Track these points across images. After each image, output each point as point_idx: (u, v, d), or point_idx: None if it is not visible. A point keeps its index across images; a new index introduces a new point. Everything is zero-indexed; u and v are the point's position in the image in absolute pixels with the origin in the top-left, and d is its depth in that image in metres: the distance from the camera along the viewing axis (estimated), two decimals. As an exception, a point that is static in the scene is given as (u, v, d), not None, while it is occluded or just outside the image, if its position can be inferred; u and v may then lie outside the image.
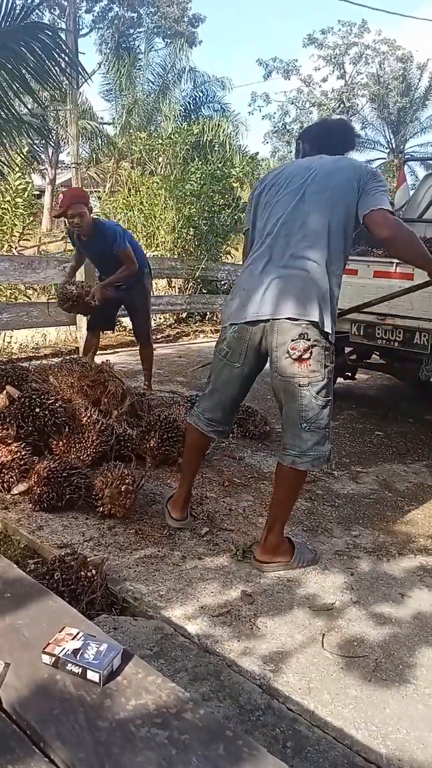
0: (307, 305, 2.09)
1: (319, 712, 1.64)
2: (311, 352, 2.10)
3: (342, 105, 27.95)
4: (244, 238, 2.49)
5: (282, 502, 2.32)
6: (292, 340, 2.09)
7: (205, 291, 9.05)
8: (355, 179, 2.19)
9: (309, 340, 2.09)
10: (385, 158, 28.98)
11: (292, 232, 2.19)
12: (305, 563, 2.37)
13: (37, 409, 2.89)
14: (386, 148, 29.45)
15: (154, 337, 7.77)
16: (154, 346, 5.01)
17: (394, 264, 3.71)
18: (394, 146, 28.89)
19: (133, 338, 7.49)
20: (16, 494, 2.69)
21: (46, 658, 1.20)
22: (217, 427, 2.44)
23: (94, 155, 19.73)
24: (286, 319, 2.10)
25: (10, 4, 4.03)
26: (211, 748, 1.04)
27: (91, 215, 4.24)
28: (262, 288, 2.17)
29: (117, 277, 4.33)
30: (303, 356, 2.09)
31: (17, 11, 4.12)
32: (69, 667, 1.18)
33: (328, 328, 2.12)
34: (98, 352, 5.27)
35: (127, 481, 2.59)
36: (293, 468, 2.23)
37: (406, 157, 24.69)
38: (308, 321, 2.09)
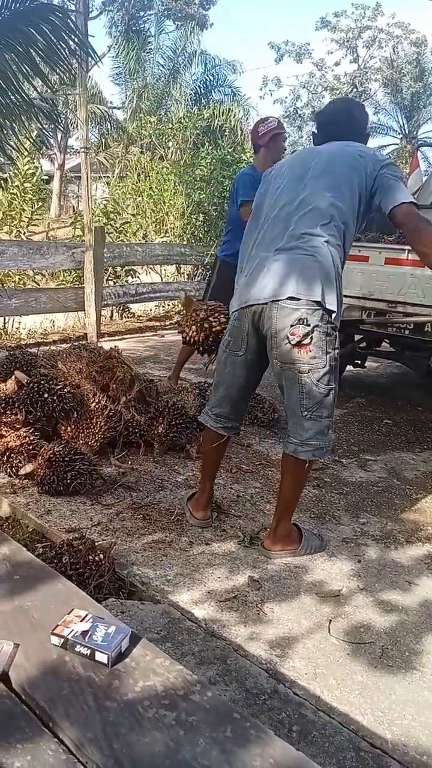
0: (310, 283, 2.02)
1: (325, 697, 1.65)
2: (311, 338, 2.03)
3: (355, 89, 27.55)
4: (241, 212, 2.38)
5: (289, 491, 2.31)
6: (291, 326, 2.03)
7: (214, 277, 9.01)
8: (361, 164, 2.14)
9: (309, 325, 2.02)
10: (398, 144, 28.63)
11: (291, 213, 2.14)
12: (313, 550, 2.38)
13: (46, 395, 2.90)
14: (399, 133, 29.07)
15: (161, 323, 7.79)
16: (163, 333, 4.82)
17: (406, 251, 3.67)
18: (407, 132, 28.50)
19: (141, 325, 7.52)
20: (22, 476, 2.71)
21: (55, 640, 1.21)
22: (225, 423, 2.39)
23: (103, 140, 19.63)
24: (287, 299, 2.03)
25: (20, -15, 3.98)
26: (219, 729, 1.04)
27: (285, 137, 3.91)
28: (262, 271, 2.12)
29: None
30: (302, 341, 2.03)
31: (27, -8, 4.07)
32: (78, 648, 1.19)
33: (332, 306, 2.04)
34: (106, 338, 5.25)
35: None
36: (295, 456, 2.21)
37: (419, 142, 24.43)
38: (310, 301, 2.02)
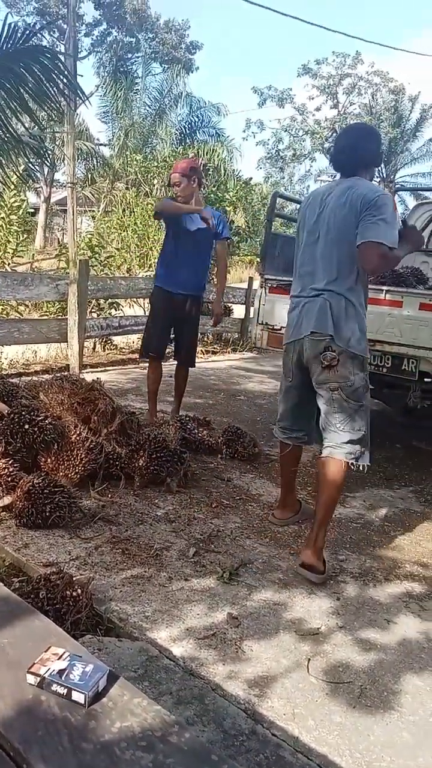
0: (325, 323, 2.47)
1: (303, 738, 1.63)
2: (338, 360, 2.44)
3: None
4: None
5: (327, 496, 2.51)
6: (321, 353, 2.47)
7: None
8: (354, 215, 2.40)
9: (334, 351, 2.45)
10: (376, 187, 29.46)
11: (314, 270, 2.56)
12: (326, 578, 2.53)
13: (26, 426, 2.89)
14: (377, 177, 29.97)
15: (131, 356, 7.81)
16: (145, 365, 4.83)
17: (384, 291, 3.76)
18: (385, 176, 29.40)
19: (123, 357, 7.53)
20: (0, 508, 2.67)
21: (30, 678, 1.19)
22: (290, 433, 2.80)
23: (89, 175, 19.93)
24: (310, 335, 2.50)
25: (12, 28, 4.10)
26: (196, 772, 1.03)
27: (196, 187, 4.02)
28: (297, 313, 2.60)
29: (223, 285, 4.19)
30: (331, 364, 2.45)
31: (19, 35, 4.19)
32: (54, 687, 1.17)
33: (341, 342, 2.45)
34: (89, 370, 5.24)
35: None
36: (331, 458, 2.49)
37: (396, 186, 25.20)
38: (327, 335, 2.46)
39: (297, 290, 2.65)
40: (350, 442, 2.48)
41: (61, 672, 1.19)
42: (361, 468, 2.53)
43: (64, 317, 6.42)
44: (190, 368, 4.34)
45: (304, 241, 2.64)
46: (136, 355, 7.73)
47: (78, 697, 1.15)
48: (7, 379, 4.35)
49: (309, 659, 1.97)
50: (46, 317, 7.18)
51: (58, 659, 1.22)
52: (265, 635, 2.07)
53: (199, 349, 8.62)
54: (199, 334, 4.25)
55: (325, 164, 31.34)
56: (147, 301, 8.74)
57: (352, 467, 2.52)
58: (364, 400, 2.53)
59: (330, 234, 2.49)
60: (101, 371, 6.36)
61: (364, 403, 2.53)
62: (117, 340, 8.02)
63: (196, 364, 4.43)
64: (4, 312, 7.05)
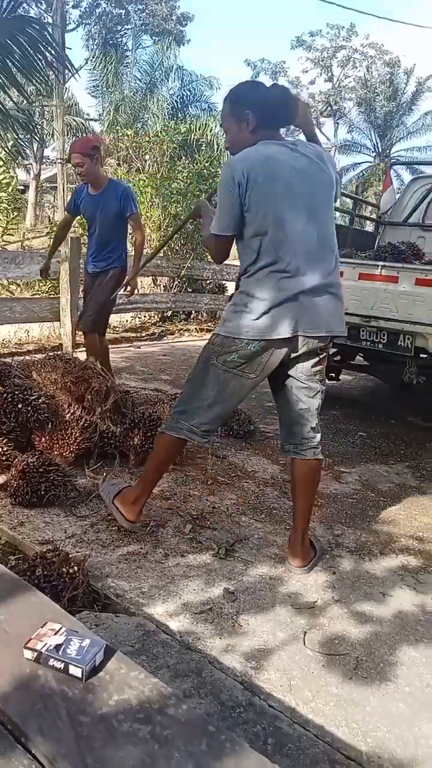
0: (340, 319, 2.28)
1: (300, 710, 1.65)
2: (327, 354, 2.33)
3: (329, 107, 28.10)
4: (220, 242, 2.24)
5: (310, 499, 2.42)
6: (325, 345, 2.27)
7: (190, 290, 9.03)
8: (334, 176, 2.27)
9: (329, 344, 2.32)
10: (371, 161, 29.21)
11: (320, 258, 2.17)
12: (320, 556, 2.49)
13: (20, 405, 2.87)
14: (372, 151, 29.68)
15: (137, 334, 7.77)
16: (139, 344, 4.88)
17: (379, 266, 3.73)
18: (380, 150, 29.12)
19: (117, 336, 7.49)
20: (-5, 488, 2.67)
21: (28, 654, 1.19)
22: (211, 435, 2.47)
23: (80, 151, 19.58)
24: (331, 335, 2.25)
25: (-3, -2, 3.98)
26: (194, 743, 1.04)
27: (98, 166, 4.02)
28: (296, 305, 2.13)
29: (140, 258, 4.18)
30: (325, 356, 2.32)
31: (4, 5, 4.08)
32: (51, 662, 1.17)
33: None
34: (82, 349, 5.22)
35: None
36: (317, 459, 2.39)
37: (392, 161, 24.96)
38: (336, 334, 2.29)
39: (287, 275, 2.13)
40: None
41: (58, 647, 1.19)
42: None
43: (56, 296, 6.37)
44: (173, 344, 4.32)
45: (282, 216, 2.11)
46: (130, 334, 7.71)
47: (75, 671, 1.15)
48: (0, 358, 4.32)
49: (305, 632, 1.99)
50: (38, 296, 7.13)
51: (55, 634, 1.23)
52: (261, 609, 2.08)
53: (192, 327, 8.62)
54: (108, 304, 4.20)
55: (320, 139, 30.96)
56: (139, 279, 8.72)
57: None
58: None
59: (325, 209, 2.21)
60: (95, 350, 6.33)
61: None
62: (110, 318, 7.97)
63: (189, 341, 4.43)
64: (-4, 291, 6.98)
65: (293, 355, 2.22)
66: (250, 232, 2.13)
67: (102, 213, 4.05)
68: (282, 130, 2.25)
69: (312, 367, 2.28)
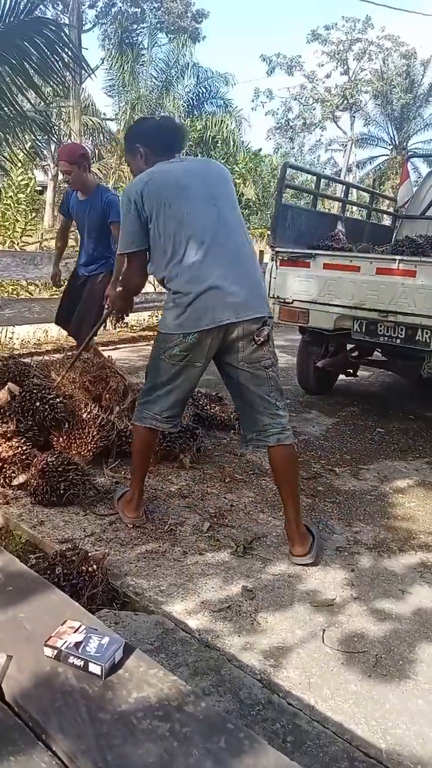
0: (263, 298, 2.34)
1: (319, 707, 1.65)
2: (269, 336, 2.29)
3: (345, 101, 27.85)
4: (128, 260, 2.40)
5: (293, 486, 2.39)
6: (258, 328, 2.25)
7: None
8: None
9: (268, 325, 2.29)
10: (388, 154, 28.91)
11: (224, 235, 2.26)
12: (320, 540, 2.50)
13: (38, 404, 2.90)
14: (389, 144, 29.36)
15: (155, 333, 7.79)
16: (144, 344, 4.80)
17: (397, 260, 3.70)
18: (397, 143, 28.79)
19: (134, 334, 7.52)
20: (15, 486, 2.70)
21: (48, 651, 1.21)
22: (175, 420, 2.50)
23: (97, 151, 19.70)
24: (254, 318, 2.25)
25: (14, 1, 4.02)
26: (213, 740, 1.04)
27: (86, 174, 4.00)
28: (219, 293, 2.21)
29: (117, 270, 4.02)
30: (265, 341, 2.27)
31: (21, 7, 4.11)
32: (71, 659, 1.18)
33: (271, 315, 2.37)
34: (100, 348, 5.26)
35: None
36: (282, 445, 2.33)
37: (409, 153, 24.64)
38: (265, 313, 2.30)
39: (201, 265, 2.23)
40: (287, 419, 2.36)
41: (77, 644, 1.21)
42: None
43: (74, 296, 6.40)
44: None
45: (187, 212, 2.24)
46: (148, 333, 7.73)
47: (95, 668, 1.17)
48: (19, 358, 4.36)
49: (324, 630, 1.99)
50: (56, 296, 7.16)
51: (75, 632, 1.24)
52: (279, 607, 2.08)
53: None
54: (97, 321, 3.76)
55: (336, 133, 30.75)
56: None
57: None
58: None
59: (227, 198, 2.33)
60: (112, 349, 6.37)
61: None
62: (128, 317, 8.01)
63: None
64: (15, 292, 7.05)
65: (230, 341, 2.28)
66: (158, 237, 2.26)
67: (89, 218, 4.06)
68: (177, 156, 2.39)
69: (252, 354, 2.28)
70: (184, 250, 2.23)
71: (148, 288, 8.64)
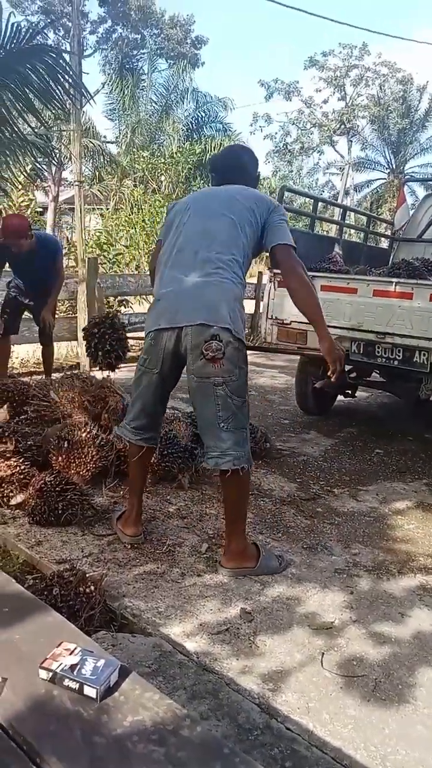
0: (219, 311, 2.20)
1: (317, 732, 1.63)
2: (224, 353, 2.17)
3: (342, 126, 28.26)
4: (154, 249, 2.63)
5: (230, 505, 2.40)
6: (206, 341, 2.17)
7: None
8: (256, 207, 2.37)
9: (221, 341, 2.17)
10: (385, 178, 29.27)
11: (200, 246, 2.29)
12: (268, 570, 2.43)
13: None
14: (386, 168, 29.73)
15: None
16: None
17: (394, 283, 3.73)
18: (394, 167, 29.16)
19: (134, 354, 7.54)
20: (13, 506, 2.69)
21: (43, 674, 1.19)
22: (143, 434, 2.48)
23: (97, 173, 19.93)
24: (198, 324, 2.19)
25: (15, 27, 4.10)
26: (209, 765, 1.03)
27: (30, 236, 4.37)
28: (175, 296, 2.26)
29: (55, 297, 4.79)
30: (216, 356, 2.17)
31: (22, 33, 4.19)
32: (66, 682, 1.17)
33: (237, 329, 2.23)
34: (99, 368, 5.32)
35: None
36: (221, 470, 2.29)
37: (406, 177, 24.99)
38: (219, 327, 2.18)
39: (169, 272, 2.35)
40: (235, 444, 2.24)
41: (72, 667, 1.19)
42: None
43: (74, 315, 6.45)
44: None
45: (185, 223, 2.40)
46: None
47: (90, 691, 1.15)
48: (19, 378, 4.37)
49: (323, 653, 1.97)
50: (56, 316, 7.20)
51: (70, 654, 1.23)
52: (278, 630, 2.07)
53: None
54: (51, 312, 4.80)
55: (334, 157, 31.13)
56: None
57: (241, 473, 2.28)
58: (246, 394, 2.31)
59: (228, 216, 2.34)
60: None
61: (246, 398, 2.31)
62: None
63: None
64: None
65: (182, 351, 2.26)
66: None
67: (35, 264, 4.45)
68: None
69: (202, 368, 2.20)
70: (164, 258, 2.39)
71: (147, 308, 8.75)
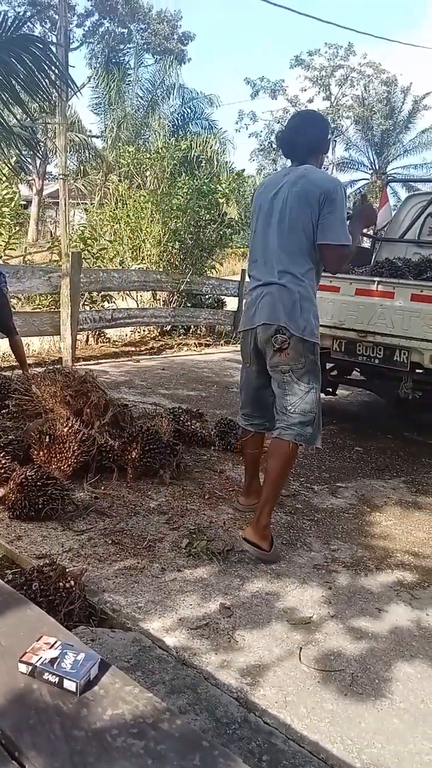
0: (277, 315, 2.50)
1: (295, 726, 1.65)
2: (289, 343, 2.48)
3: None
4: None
5: (273, 474, 2.55)
6: (272, 336, 2.51)
7: (189, 305, 9.08)
8: (308, 205, 2.45)
9: (285, 334, 2.48)
10: (368, 179, 29.47)
11: (268, 259, 2.58)
12: (273, 560, 2.54)
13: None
14: (369, 169, 29.95)
15: (137, 348, 7.81)
16: (138, 358, 5.05)
17: (376, 282, 3.77)
18: (377, 167, 29.38)
19: (116, 350, 7.53)
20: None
21: (22, 667, 1.19)
22: (251, 420, 2.84)
23: (82, 167, 19.79)
24: (262, 325, 2.55)
25: (2, 16, 4.05)
26: (188, 758, 1.04)
27: None
28: (254, 301, 2.62)
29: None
30: (282, 347, 2.49)
31: (9, 23, 4.15)
32: (46, 676, 1.17)
33: (295, 330, 2.48)
34: (82, 363, 5.31)
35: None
36: (279, 438, 2.53)
37: (388, 178, 25.14)
38: (279, 324, 2.50)
39: (254, 279, 2.68)
40: (300, 423, 2.51)
41: (52, 661, 1.19)
42: (309, 449, 2.63)
43: (56, 310, 6.40)
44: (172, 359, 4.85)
45: (257, 229, 2.64)
46: (129, 348, 7.74)
47: (69, 685, 1.15)
48: (0, 372, 4.34)
49: (301, 648, 1.99)
50: (38, 310, 7.15)
51: (50, 648, 1.23)
52: (257, 625, 2.08)
53: (191, 341, 8.65)
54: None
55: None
56: (139, 293, 8.78)
57: (301, 447, 2.59)
58: (315, 383, 2.56)
59: (283, 223, 2.51)
60: (94, 364, 6.35)
61: (315, 386, 2.56)
62: (110, 332, 8.01)
63: (188, 355, 4.54)
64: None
65: (259, 345, 2.61)
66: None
67: None
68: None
69: (271, 358, 2.55)
70: (251, 261, 2.73)
71: (131, 303, 8.69)
